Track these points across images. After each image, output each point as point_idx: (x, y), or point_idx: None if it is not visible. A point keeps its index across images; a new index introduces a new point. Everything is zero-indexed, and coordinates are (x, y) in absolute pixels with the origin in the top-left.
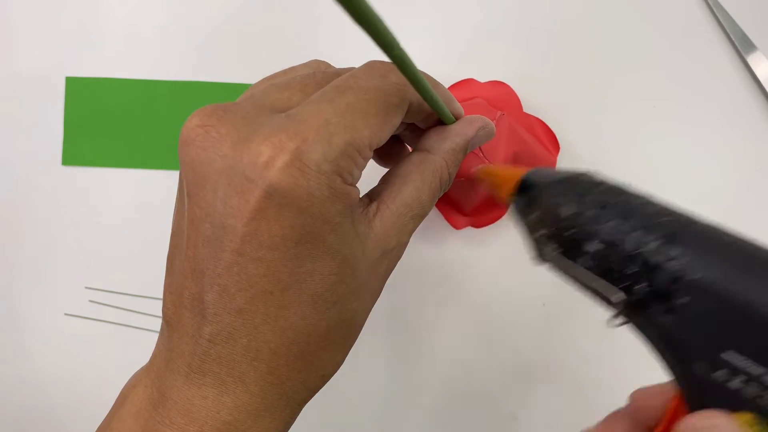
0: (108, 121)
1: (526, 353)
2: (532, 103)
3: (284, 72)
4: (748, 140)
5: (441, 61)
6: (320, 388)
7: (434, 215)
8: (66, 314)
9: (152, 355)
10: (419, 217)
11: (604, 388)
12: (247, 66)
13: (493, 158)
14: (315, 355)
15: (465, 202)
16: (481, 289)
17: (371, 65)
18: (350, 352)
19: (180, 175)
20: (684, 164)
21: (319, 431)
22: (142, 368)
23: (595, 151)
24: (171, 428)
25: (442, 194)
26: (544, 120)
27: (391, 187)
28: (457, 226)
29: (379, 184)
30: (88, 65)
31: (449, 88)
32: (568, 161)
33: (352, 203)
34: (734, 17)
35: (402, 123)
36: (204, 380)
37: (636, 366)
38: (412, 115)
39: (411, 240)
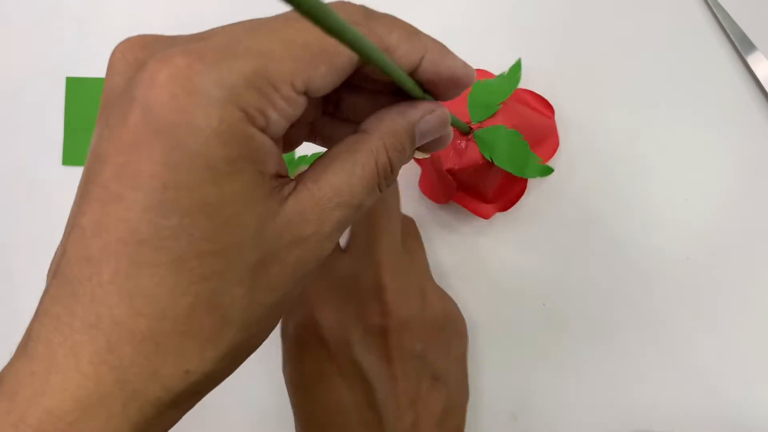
0: None
1: (526, 352)
2: None
3: None
4: (748, 140)
5: None
6: (183, 389)
7: (453, 213)
8: None
9: None
10: (349, 207)
11: (605, 388)
12: None
13: None
14: (172, 339)
15: (485, 189)
16: (481, 289)
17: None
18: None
19: None
20: (683, 164)
21: None
22: None
23: (595, 152)
24: None
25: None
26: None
27: (316, 167)
28: (486, 216)
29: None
30: (88, 65)
31: None
32: (568, 163)
33: (254, 155)
34: (734, 17)
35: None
36: (36, 350)
37: (636, 366)
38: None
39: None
